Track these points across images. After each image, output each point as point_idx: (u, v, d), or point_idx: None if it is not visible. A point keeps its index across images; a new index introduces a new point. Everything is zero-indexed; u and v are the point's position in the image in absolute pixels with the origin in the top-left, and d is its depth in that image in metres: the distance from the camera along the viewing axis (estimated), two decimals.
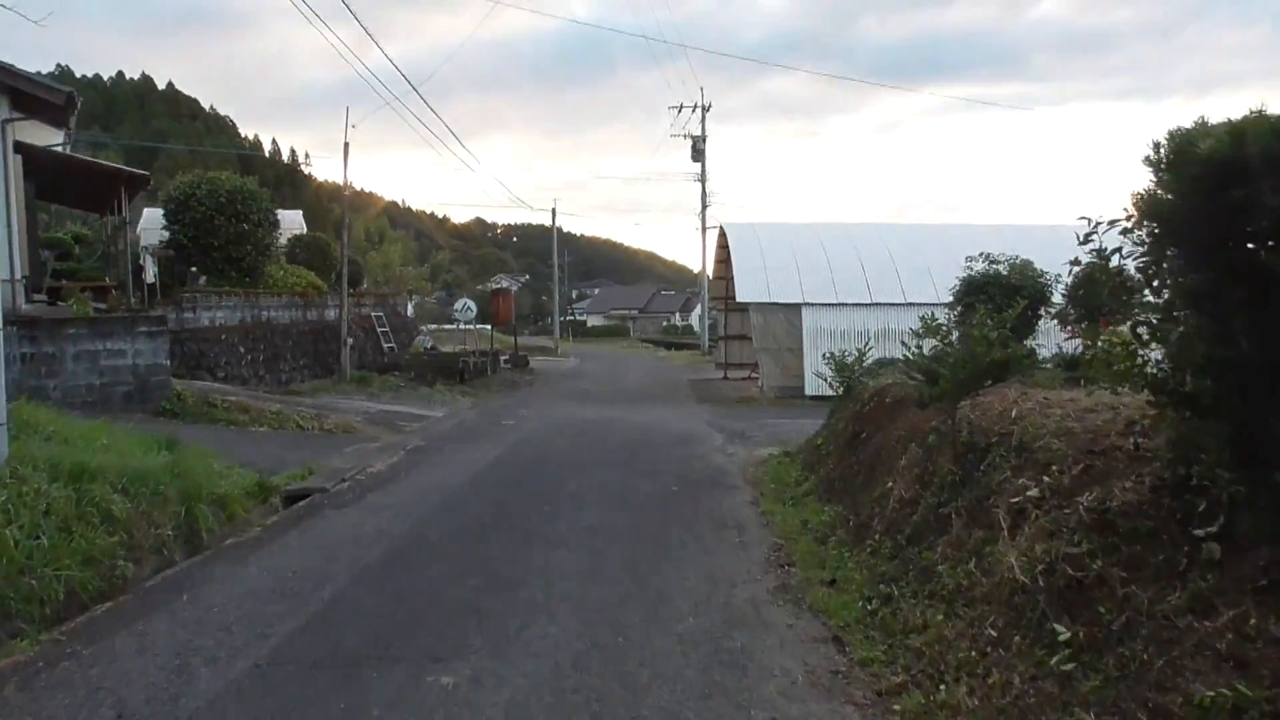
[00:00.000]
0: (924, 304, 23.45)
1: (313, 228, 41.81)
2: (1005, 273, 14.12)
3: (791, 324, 23.60)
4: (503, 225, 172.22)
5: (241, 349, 22.86)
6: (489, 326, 41.45)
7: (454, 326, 46.95)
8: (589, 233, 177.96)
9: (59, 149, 22.42)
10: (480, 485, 12.18)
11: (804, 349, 23.42)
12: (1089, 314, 13.50)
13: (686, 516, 10.03)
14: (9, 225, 17.92)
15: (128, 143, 71.46)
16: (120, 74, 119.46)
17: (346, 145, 24.99)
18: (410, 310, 47.10)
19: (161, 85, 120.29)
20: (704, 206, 54.91)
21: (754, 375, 31.42)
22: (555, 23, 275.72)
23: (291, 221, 36.93)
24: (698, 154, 55.55)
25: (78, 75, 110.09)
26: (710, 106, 55.07)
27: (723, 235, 29.84)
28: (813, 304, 23.74)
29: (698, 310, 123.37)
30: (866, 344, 23.47)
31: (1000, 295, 13.46)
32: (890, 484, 8.23)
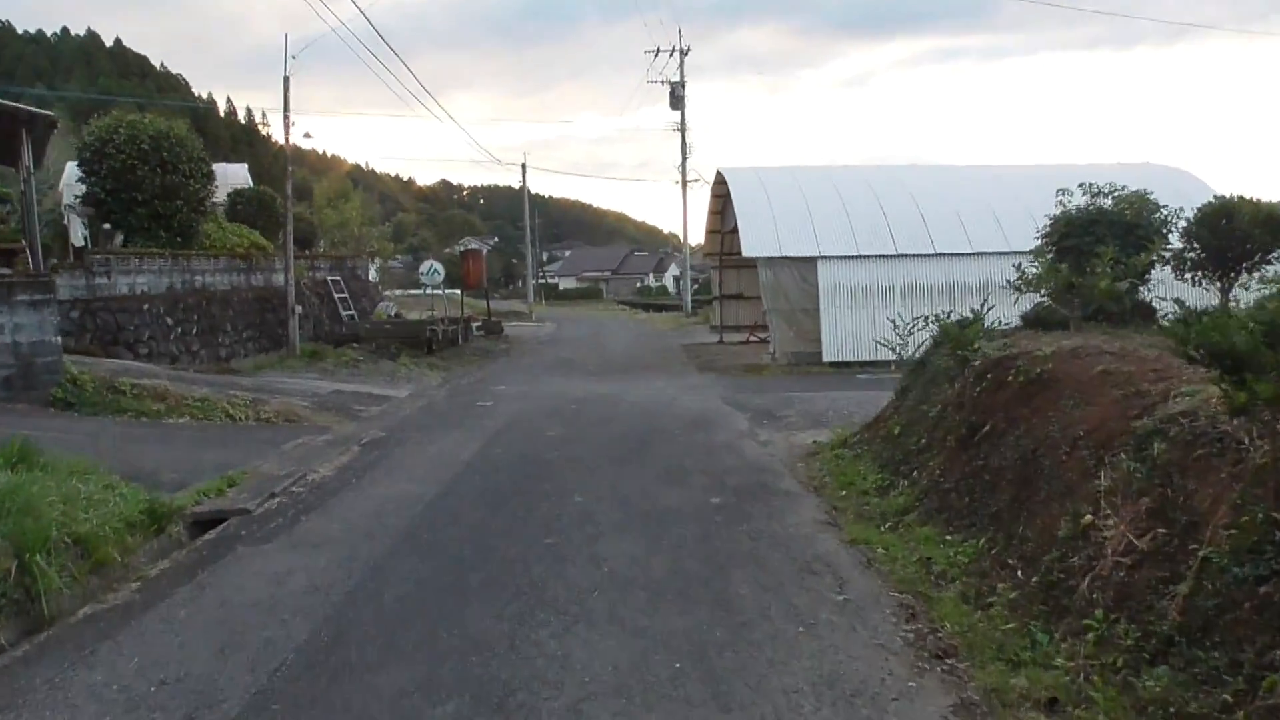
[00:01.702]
0: (955, 255, 20.70)
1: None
2: (1114, 208, 11.18)
3: (805, 280, 20.67)
4: (469, 187, 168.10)
5: (169, 320, 19.60)
6: (458, 291, 38.31)
7: (421, 292, 43.68)
8: (558, 194, 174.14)
9: None
10: (455, 499, 9.20)
11: (821, 308, 20.51)
12: (1220, 258, 10.70)
13: (747, 551, 7.11)
14: None
15: (74, 97, 66.90)
16: (65, 30, 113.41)
17: (286, 79, 21.63)
18: (373, 274, 43.65)
19: (109, 42, 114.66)
20: (684, 157, 51.64)
21: (753, 338, 28.59)
22: None
23: (235, 176, 33.40)
24: (676, 101, 52.10)
25: (19, 31, 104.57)
26: (689, 50, 51.63)
27: (720, 184, 26.72)
28: (830, 257, 20.79)
29: (672, 270, 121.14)
30: (898, 301, 20.85)
31: (1112, 236, 10.57)
32: (1088, 517, 5.34)
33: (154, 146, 22.07)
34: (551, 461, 11.06)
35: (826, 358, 20.35)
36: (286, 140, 21.95)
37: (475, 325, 33.50)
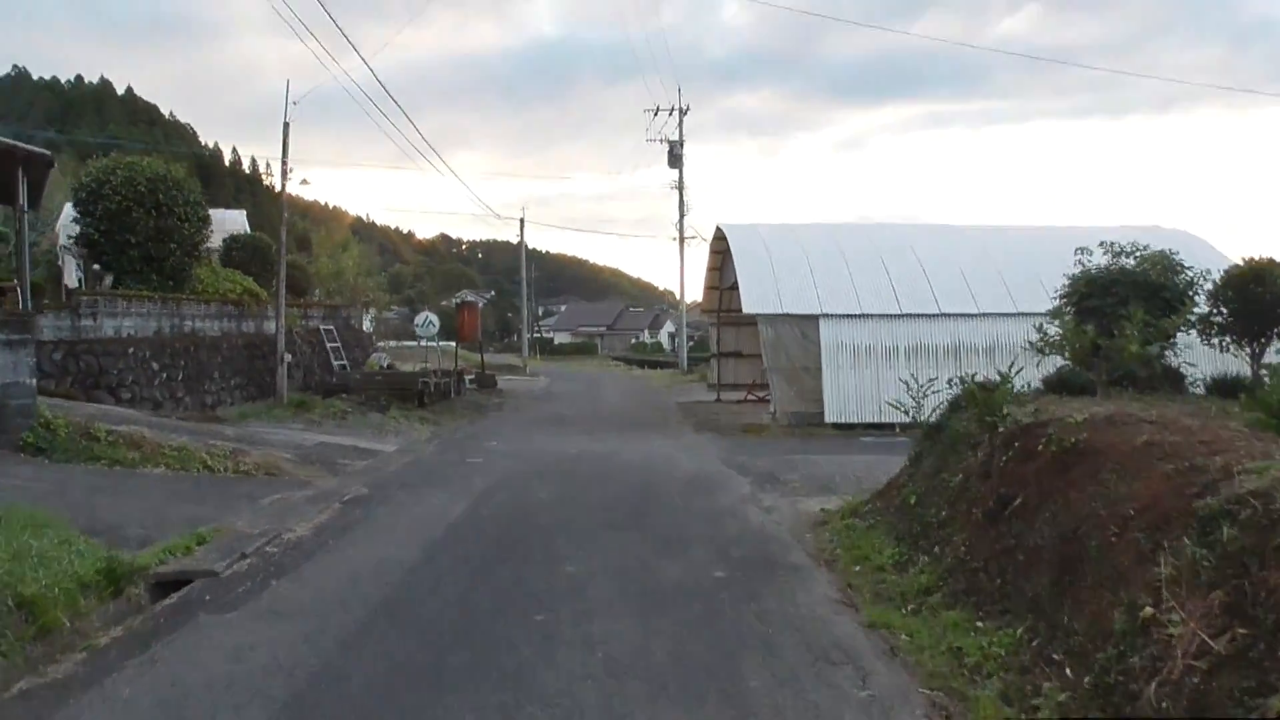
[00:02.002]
0: (961, 315, 20.26)
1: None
2: (1137, 268, 10.70)
3: (807, 338, 20.17)
4: (468, 241, 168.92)
5: (155, 365, 19.01)
6: (453, 344, 37.81)
7: (415, 343, 43.18)
8: (554, 249, 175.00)
9: None
10: (438, 566, 8.55)
11: (823, 367, 19.98)
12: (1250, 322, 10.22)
13: (757, 635, 6.47)
14: None
15: (81, 141, 67.03)
16: (79, 77, 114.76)
17: (286, 125, 21.30)
18: (367, 324, 43.16)
19: (121, 90, 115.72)
20: (681, 214, 51.61)
21: (751, 396, 28.03)
22: (520, 39, 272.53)
23: (233, 223, 33.07)
24: (675, 159, 52.25)
25: (34, 77, 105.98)
26: (688, 110, 51.91)
27: (719, 240, 26.37)
28: (832, 315, 20.32)
29: (667, 327, 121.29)
30: (902, 362, 20.33)
31: (1136, 298, 10.08)
32: (1148, 610, 4.73)
33: (150, 189, 21.72)
34: (543, 525, 10.43)
35: (829, 419, 19.77)
36: (283, 185, 21.61)
37: (468, 378, 32.92)
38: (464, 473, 14.57)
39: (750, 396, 28.17)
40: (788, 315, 20.40)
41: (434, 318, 34.07)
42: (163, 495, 11.20)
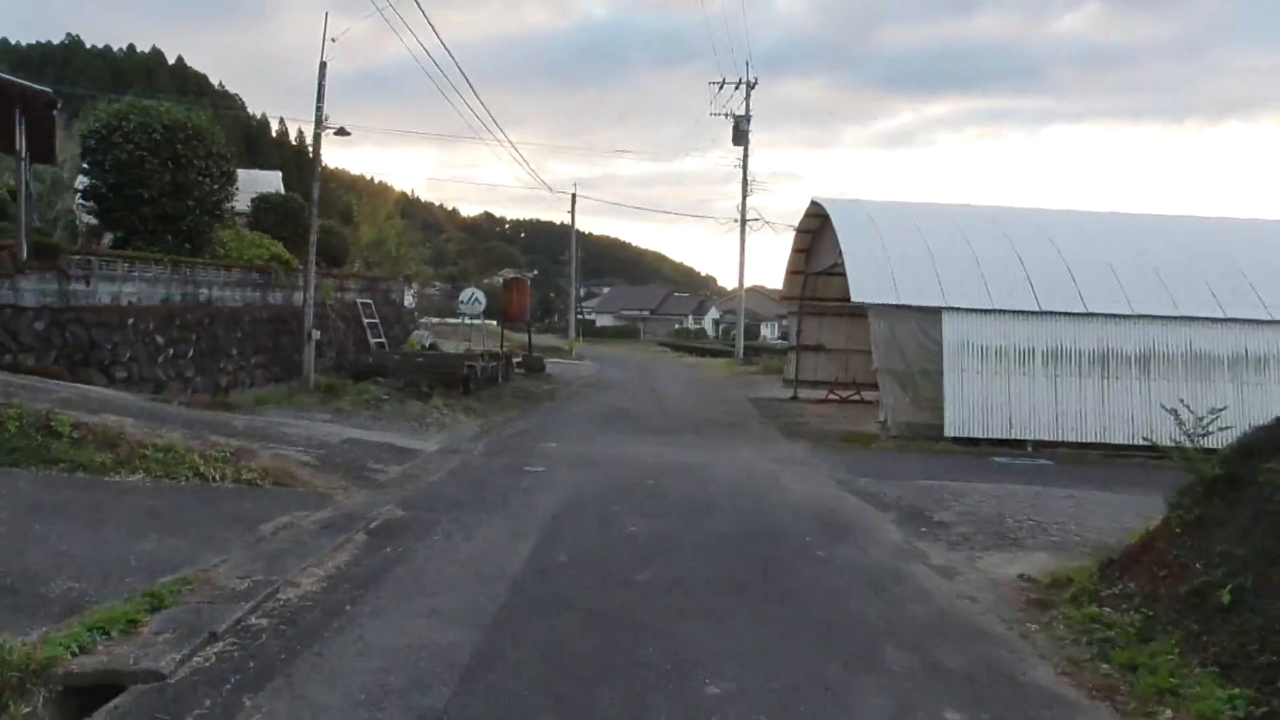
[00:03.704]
0: (1110, 316, 16.96)
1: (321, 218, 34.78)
2: None
3: (927, 335, 16.95)
4: (511, 220, 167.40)
5: (160, 339, 16.26)
6: (494, 322, 35.09)
7: (458, 321, 40.50)
8: (598, 231, 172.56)
9: None
10: (504, 667, 5.57)
11: (945, 370, 16.78)
12: None
13: None
14: None
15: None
16: (131, 46, 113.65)
17: (323, 65, 18.38)
18: (409, 299, 40.40)
19: (171, 60, 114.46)
20: (745, 195, 48.39)
21: (833, 396, 24.87)
22: (570, 21, 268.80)
23: (266, 183, 30.38)
24: (740, 135, 48.99)
25: (87, 45, 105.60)
26: (756, 83, 48.48)
27: (812, 217, 23.15)
28: (958, 309, 17.06)
29: (712, 313, 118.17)
30: (1039, 367, 17.13)
31: None
32: None
33: (167, 138, 18.98)
34: (646, 588, 7.42)
35: (949, 432, 16.60)
36: (318, 131, 18.68)
37: (515, 361, 30.07)
38: (523, 487, 11.63)
39: (833, 396, 25.02)
40: (904, 307, 17.17)
41: (480, 294, 31.39)
42: (129, 518, 8.32)
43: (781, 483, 12.70)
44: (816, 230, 23.47)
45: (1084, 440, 16.50)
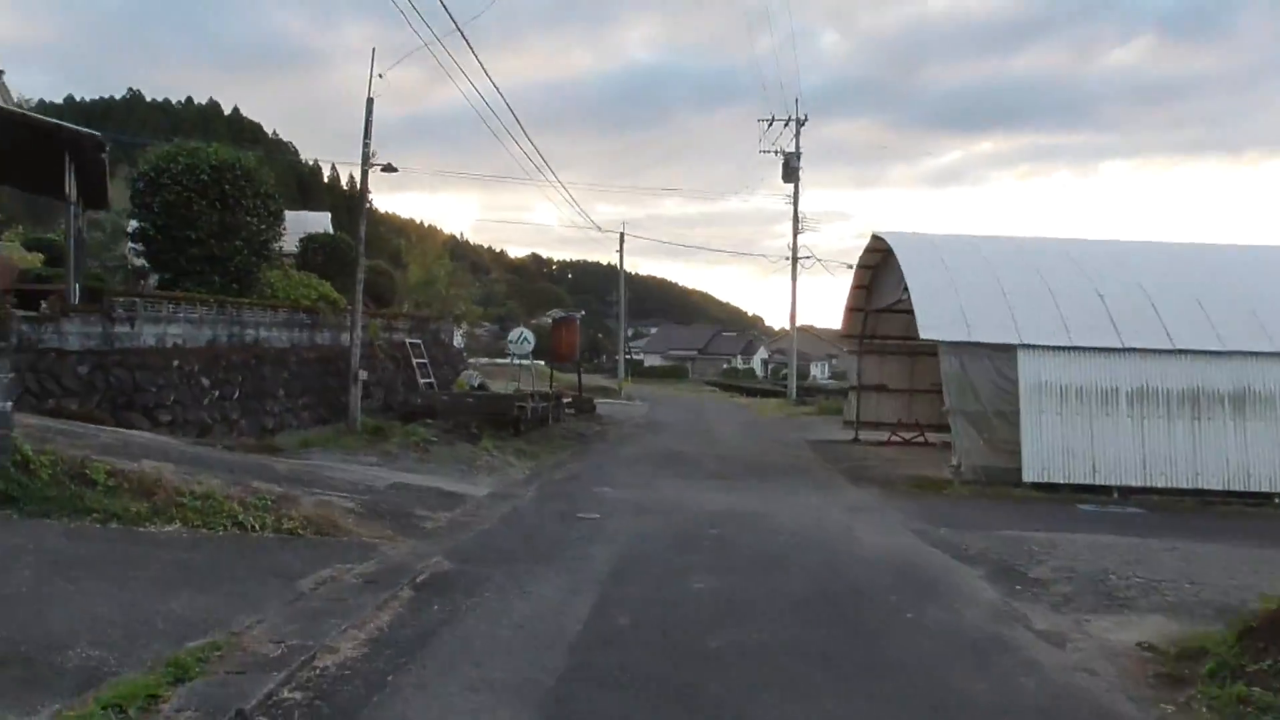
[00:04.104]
0: (1200, 353, 15.92)
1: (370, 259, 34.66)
2: None
3: (1001, 374, 16.02)
4: (558, 261, 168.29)
5: (205, 381, 15.88)
6: (542, 362, 34.60)
7: (506, 361, 40.12)
8: (644, 271, 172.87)
9: None
10: None
11: (1022, 411, 15.80)
12: None
13: None
14: None
15: None
16: (189, 99, 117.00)
17: (370, 101, 18.07)
18: (458, 339, 40.07)
19: (227, 110, 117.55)
20: (796, 231, 47.80)
21: (896, 438, 23.89)
22: (615, 64, 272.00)
23: (315, 224, 30.30)
24: (790, 173, 48.49)
25: (147, 99, 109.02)
26: (806, 120, 48.01)
27: (873, 252, 22.33)
28: (1034, 346, 16.12)
29: (760, 353, 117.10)
30: (1124, 407, 16.08)
31: None
32: None
33: (214, 179, 18.79)
34: (718, 659, 6.63)
35: (1028, 477, 15.59)
36: (365, 168, 18.36)
37: (565, 401, 29.46)
38: (578, 536, 10.91)
39: (895, 438, 24.04)
40: (977, 344, 16.25)
41: (529, 334, 30.88)
42: (158, 574, 7.73)
43: (854, 533, 11.83)
44: (877, 265, 22.64)
45: (1175, 486, 15.39)
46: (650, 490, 15.21)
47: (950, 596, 8.73)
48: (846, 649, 6.95)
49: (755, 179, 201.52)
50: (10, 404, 9.29)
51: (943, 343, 16.41)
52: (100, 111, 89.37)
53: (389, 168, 18.72)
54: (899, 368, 24.87)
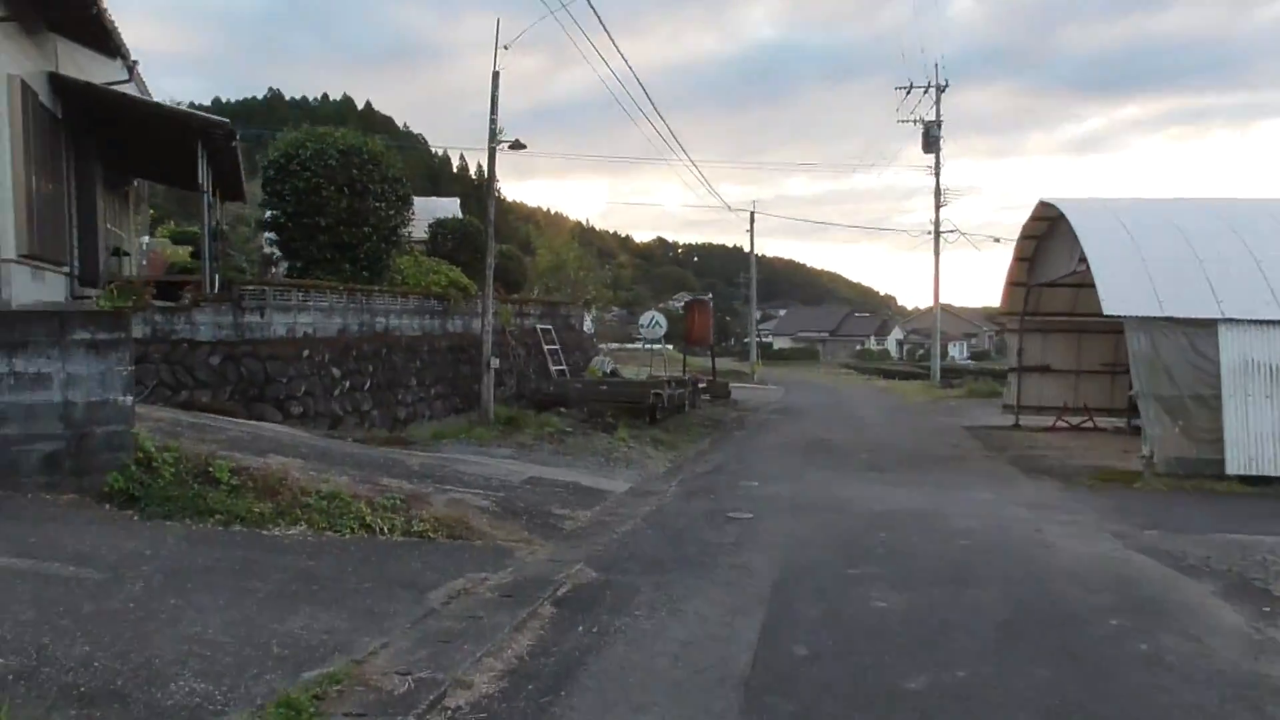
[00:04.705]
0: None
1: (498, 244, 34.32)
2: None
3: (1199, 353, 14.11)
4: (683, 245, 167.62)
5: (335, 371, 15.47)
6: (670, 347, 33.68)
7: (635, 347, 39.44)
8: (771, 253, 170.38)
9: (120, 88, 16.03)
10: None
11: (1224, 395, 13.89)
12: None
13: None
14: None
15: None
16: (325, 95, 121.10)
17: (495, 74, 17.31)
18: (588, 325, 39.50)
19: (360, 105, 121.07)
20: (938, 205, 45.32)
21: (1062, 423, 21.92)
22: (737, 44, 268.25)
23: (444, 211, 30.03)
24: (930, 142, 46.07)
25: (286, 98, 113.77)
26: (946, 86, 45.50)
27: (1039, 220, 20.38)
28: (1237, 320, 14.15)
29: (895, 334, 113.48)
30: None
31: None
32: None
33: (342, 163, 18.42)
34: (922, 707, 5.43)
35: (1232, 469, 13.69)
36: (492, 144, 17.59)
37: (700, 387, 28.40)
38: (731, 540, 9.83)
39: (1061, 423, 22.06)
40: (1170, 320, 14.34)
41: (661, 318, 30.04)
42: (278, 586, 7.02)
43: (1045, 537, 10.35)
44: (1042, 236, 20.67)
45: None
46: (801, 484, 13.99)
47: (1184, 621, 7.26)
48: (1076, 695, 5.65)
49: (886, 153, 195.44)
50: (131, 398, 8.79)
51: (1129, 318, 14.55)
52: (244, 111, 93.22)
53: (517, 144, 17.98)
54: (1065, 347, 22.78)
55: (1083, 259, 16.24)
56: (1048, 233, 20.20)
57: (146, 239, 24.90)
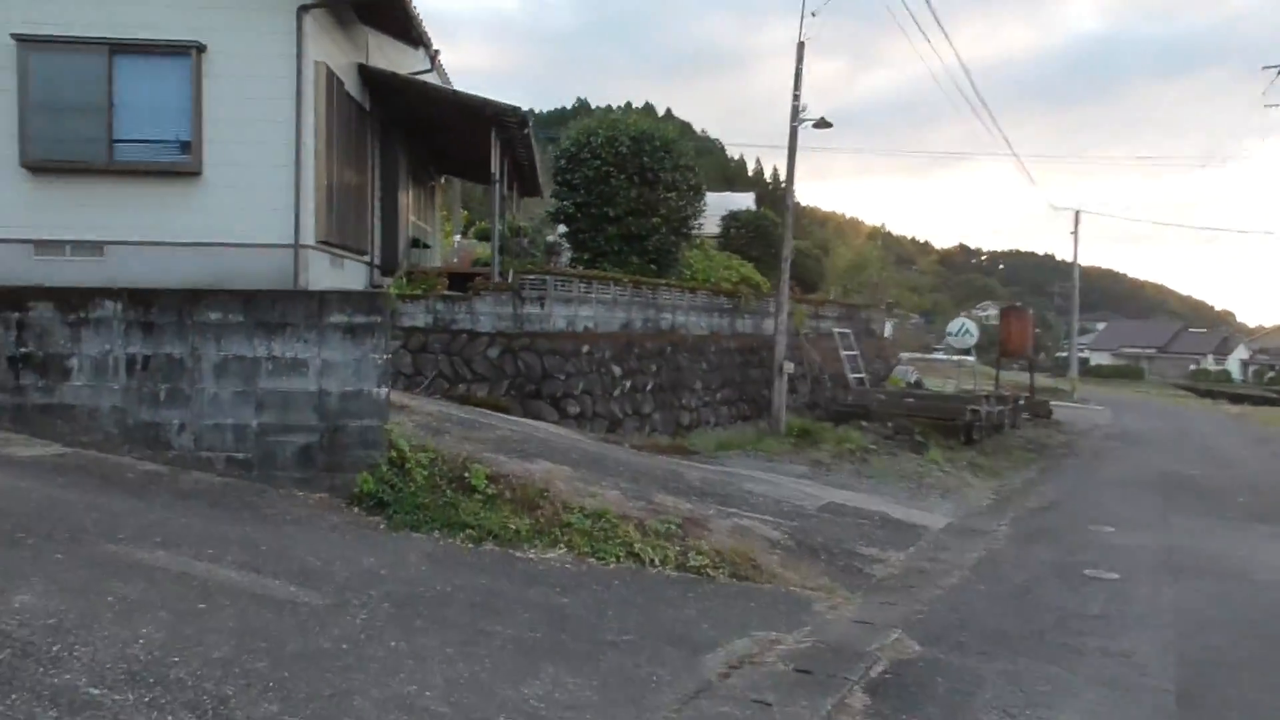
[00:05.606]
0: None
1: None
2: None
3: None
4: (988, 252, 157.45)
5: (616, 370, 14.33)
6: (973, 359, 30.37)
7: (935, 357, 36.26)
8: (1086, 261, 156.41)
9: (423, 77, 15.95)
10: None
11: None
12: None
13: None
14: (298, 164, 11.07)
15: None
16: (628, 103, 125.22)
17: (801, 45, 15.50)
18: (888, 331, 36.75)
19: (661, 112, 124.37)
20: None
21: None
22: (1056, 38, 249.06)
23: (737, 205, 28.65)
24: None
25: (592, 106, 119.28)
26: None
27: None
28: None
29: (1239, 352, 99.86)
30: None
31: None
32: None
33: (633, 150, 17.41)
34: None
35: None
36: (794, 122, 15.77)
37: (1019, 404, 25.08)
38: (1095, 610, 7.45)
39: None
40: None
41: (972, 325, 27.02)
42: (522, 630, 5.64)
43: None
44: None
45: None
46: (1171, 534, 11.09)
47: None
48: None
49: (1234, 149, 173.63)
50: (386, 390, 7.86)
51: None
52: (556, 120, 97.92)
53: (822, 122, 16.08)
54: None
55: None
56: None
57: (459, 238, 25.45)
